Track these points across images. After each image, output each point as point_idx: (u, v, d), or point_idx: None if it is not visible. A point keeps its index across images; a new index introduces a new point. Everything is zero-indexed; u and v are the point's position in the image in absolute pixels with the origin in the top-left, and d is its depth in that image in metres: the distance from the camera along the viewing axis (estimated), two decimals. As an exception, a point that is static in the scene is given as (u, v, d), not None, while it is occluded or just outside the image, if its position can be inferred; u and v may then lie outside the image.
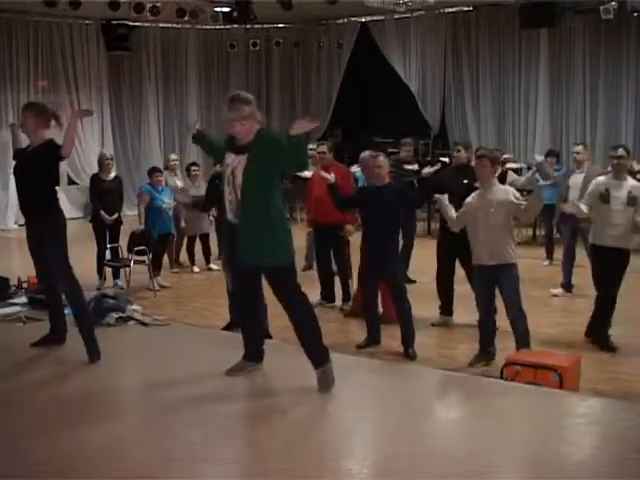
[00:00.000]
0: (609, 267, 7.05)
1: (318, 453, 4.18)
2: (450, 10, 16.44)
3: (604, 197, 7.02)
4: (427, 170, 7.66)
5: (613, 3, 13.74)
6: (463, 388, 5.46)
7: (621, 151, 7.13)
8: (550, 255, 10.91)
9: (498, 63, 16.46)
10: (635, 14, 14.09)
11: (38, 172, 5.71)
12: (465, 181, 7.40)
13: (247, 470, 4.03)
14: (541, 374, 5.41)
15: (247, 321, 5.43)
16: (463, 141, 8.67)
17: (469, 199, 6.60)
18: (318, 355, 5.06)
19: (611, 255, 7.00)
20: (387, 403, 4.97)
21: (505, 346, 6.62)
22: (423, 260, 9.64)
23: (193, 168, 11.01)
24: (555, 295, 9.05)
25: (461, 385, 5.54)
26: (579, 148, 9.42)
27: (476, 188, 6.78)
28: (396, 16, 16.26)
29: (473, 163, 7.45)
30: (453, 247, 7.56)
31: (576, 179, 8.70)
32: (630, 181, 7.11)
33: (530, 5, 14.60)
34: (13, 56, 15.28)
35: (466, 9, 16.38)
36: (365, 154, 8.35)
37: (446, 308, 7.99)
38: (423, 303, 7.80)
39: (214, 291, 9.63)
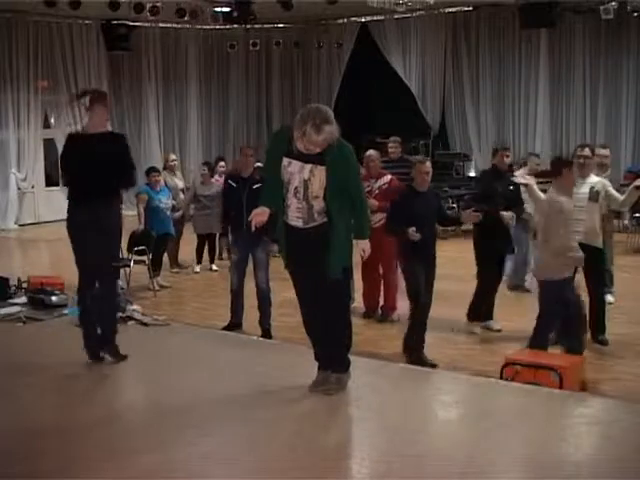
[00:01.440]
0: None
1: (318, 453, 4.18)
2: (450, 10, 16.46)
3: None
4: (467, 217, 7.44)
5: (613, 3, 13.75)
6: (463, 388, 5.46)
7: (587, 151, 7.33)
8: None
9: (498, 63, 16.47)
10: (635, 14, 14.10)
11: (112, 161, 5.53)
12: (511, 187, 7.39)
13: (247, 470, 4.02)
14: (541, 374, 5.41)
15: (318, 325, 5.02)
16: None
17: (548, 203, 6.26)
18: (342, 361, 5.02)
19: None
20: (387, 403, 4.97)
21: (506, 346, 6.63)
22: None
23: (202, 168, 11.01)
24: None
25: (461, 385, 5.54)
26: (587, 151, 9.27)
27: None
28: (396, 16, 16.27)
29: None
30: (494, 249, 7.54)
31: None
32: (594, 178, 7.23)
33: (530, 5, 14.60)
34: (13, 56, 15.27)
35: (466, 9, 16.39)
36: (371, 152, 8.34)
37: (488, 313, 7.77)
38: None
39: (214, 291, 9.63)
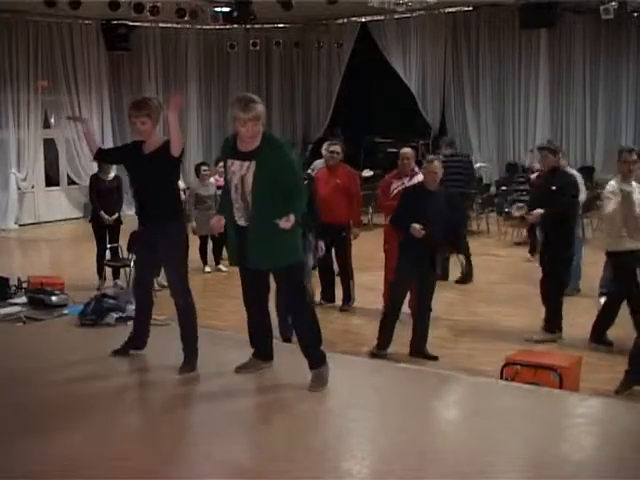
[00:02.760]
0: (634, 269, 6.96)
1: (318, 453, 4.18)
2: (450, 10, 16.47)
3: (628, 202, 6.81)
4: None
5: (613, 3, 13.76)
6: (463, 388, 5.46)
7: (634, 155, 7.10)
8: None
9: (498, 63, 16.50)
10: (635, 14, 14.11)
11: (160, 175, 5.33)
12: (553, 188, 7.17)
13: (247, 470, 4.03)
14: (541, 374, 5.41)
15: (257, 320, 5.39)
16: (550, 144, 8.01)
17: None
18: (315, 357, 5.08)
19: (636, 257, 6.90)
20: (387, 403, 4.97)
21: (506, 346, 6.62)
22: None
23: (203, 168, 11.01)
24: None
25: (461, 385, 5.54)
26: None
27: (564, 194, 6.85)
28: (396, 16, 16.29)
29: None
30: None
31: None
32: (634, 182, 7.12)
33: (530, 5, 14.62)
34: (13, 56, 15.26)
35: (466, 9, 16.41)
36: (406, 150, 8.30)
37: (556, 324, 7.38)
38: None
39: (215, 291, 9.63)
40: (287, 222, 4.76)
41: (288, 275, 5.01)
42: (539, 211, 7.13)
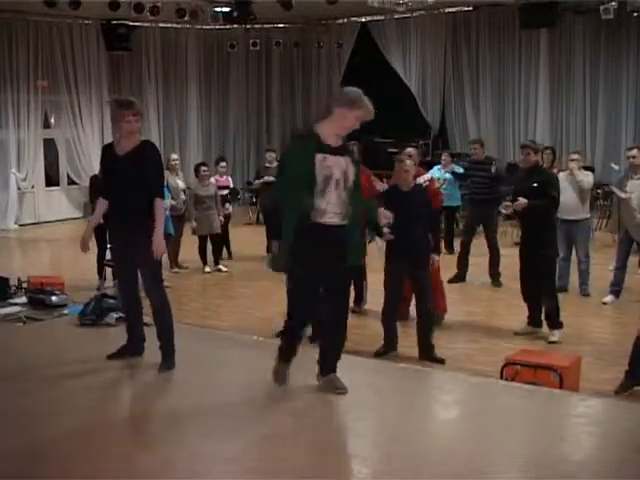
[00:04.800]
0: None
1: (319, 453, 4.18)
2: (450, 10, 16.46)
3: None
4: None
5: (613, 3, 13.75)
6: (463, 388, 5.46)
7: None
8: None
9: (498, 63, 16.48)
10: (635, 14, 14.10)
11: (138, 174, 5.29)
12: (535, 185, 7.15)
13: (247, 470, 4.02)
14: (541, 374, 5.41)
15: (303, 325, 5.08)
16: (532, 143, 7.89)
17: None
18: (336, 362, 5.01)
19: None
20: (387, 403, 4.97)
21: (506, 346, 6.62)
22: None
23: (203, 168, 11.01)
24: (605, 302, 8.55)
25: (461, 385, 5.54)
26: (634, 152, 8.48)
27: (544, 191, 6.84)
28: (396, 16, 16.28)
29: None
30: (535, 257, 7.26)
31: (633, 185, 8.34)
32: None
33: (530, 5, 14.61)
34: (13, 56, 15.26)
35: (466, 9, 16.40)
36: (409, 149, 8.13)
37: (534, 319, 7.48)
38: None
39: (214, 291, 9.63)
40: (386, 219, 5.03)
41: (351, 276, 5.01)
42: (523, 200, 7.04)
